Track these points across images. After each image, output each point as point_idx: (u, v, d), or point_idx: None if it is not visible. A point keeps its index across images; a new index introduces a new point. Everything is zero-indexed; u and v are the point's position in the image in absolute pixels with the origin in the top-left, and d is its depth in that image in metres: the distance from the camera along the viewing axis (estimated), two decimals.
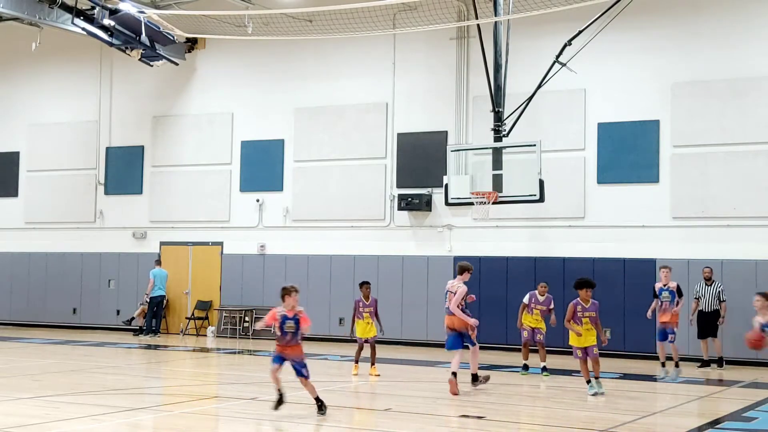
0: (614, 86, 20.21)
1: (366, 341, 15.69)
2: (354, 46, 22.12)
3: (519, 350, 19.18)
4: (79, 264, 25.58)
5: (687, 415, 12.67)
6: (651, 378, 16.62)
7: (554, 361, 17.59)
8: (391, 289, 21.59)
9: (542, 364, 16.32)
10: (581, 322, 13.70)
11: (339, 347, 20.45)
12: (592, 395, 13.45)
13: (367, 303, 15.75)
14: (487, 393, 14.16)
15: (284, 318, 10.97)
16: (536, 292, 16.89)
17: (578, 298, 13.83)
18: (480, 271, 21.00)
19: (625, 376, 16.48)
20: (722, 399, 14.21)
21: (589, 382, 13.68)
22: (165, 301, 24.13)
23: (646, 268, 19.51)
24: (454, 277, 14.45)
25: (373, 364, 15.77)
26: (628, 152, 19.96)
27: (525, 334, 16.64)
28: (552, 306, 16.82)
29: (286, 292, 11.18)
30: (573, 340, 13.85)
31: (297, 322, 11.02)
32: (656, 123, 19.77)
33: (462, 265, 14.15)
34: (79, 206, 25.96)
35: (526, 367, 16.52)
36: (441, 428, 11.36)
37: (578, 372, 16.40)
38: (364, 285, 15.94)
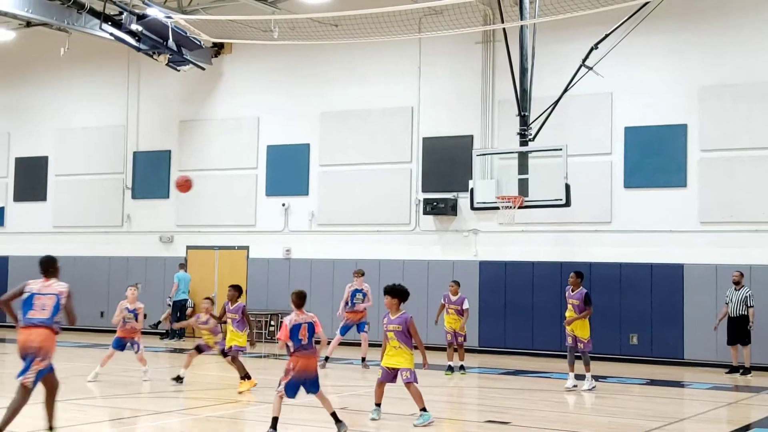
0: (641, 90, 20.07)
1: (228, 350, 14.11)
2: (379, 50, 22.11)
3: (545, 356, 19.14)
4: (106, 268, 25.74)
5: (715, 422, 12.56)
6: (678, 384, 16.49)
7: (578, 367, 17.47)
8: (417, 294, 21.43)
9: (459, 363, 16.83)
10: (387, 337, 11.24)
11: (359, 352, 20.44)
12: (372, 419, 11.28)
13: (231, 308, 14.11)
14: (513, 398, 14.11)
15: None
16: (449, 291, 17.16)
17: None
18: (506, 276, 21.00)
19: (653, 382, 16.36)
20: (751, 405, 14.07)
21: (378, 405, 11.37)
22: (189, 305, 24.24)
23: (673, 274, 19.37)
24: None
25: (242, 378, 14.00)
26: (655, 156, 19.82)
27: (448, 336, 16.98)
28: (465, 306, 16.97)
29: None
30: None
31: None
32: (684, 127, 19.62)
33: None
34: (106, 210, 26.13)
35: (450, 369, 16.79)
36: None
37: (605, 378, 16.33)
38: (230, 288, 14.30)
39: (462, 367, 16.89)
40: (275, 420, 9.94)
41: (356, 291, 17.70)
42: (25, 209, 27.49)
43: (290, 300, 10.46)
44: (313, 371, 10.16)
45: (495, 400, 14.10)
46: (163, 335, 23.96)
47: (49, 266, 9.45)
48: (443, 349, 17.21)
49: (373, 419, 11.28)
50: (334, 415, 10.21)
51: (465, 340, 17.18)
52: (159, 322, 24.35)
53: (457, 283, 17.33)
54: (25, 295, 9.22)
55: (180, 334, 23.73)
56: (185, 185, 15.74)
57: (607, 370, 17.72)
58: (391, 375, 11.21)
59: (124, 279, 25.52)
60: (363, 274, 17.94)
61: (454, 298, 17.10)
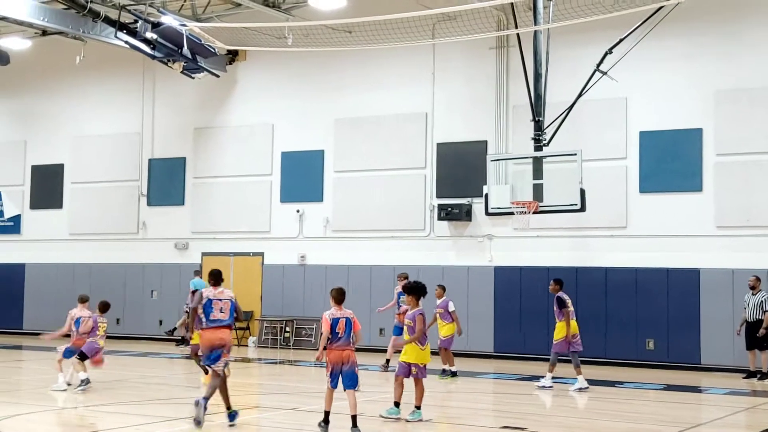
0: (656, 94, 20.01)
1: None
2: (393, 56, 22.13)
3: (561, 361, 19.10)
4: (122, 275, 25.84)
5: (733, 427, 12.48)
6: (695, 389, 16.40)
7: (594, 372, 17.43)
8: (431, 299, 21.49)
9: (442, 367, 16.87)
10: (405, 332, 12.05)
11: (381, 357, 20.42)
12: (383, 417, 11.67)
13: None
14: (529, 404, 14.07)
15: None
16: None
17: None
18: (521, 282, 20.94)
19: (669, 387, 16.29)
20: None
21: (397, 404, 11.70)
22: None
23: (689, 278, 19.28)
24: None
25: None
26: (671, 161, 19.74)
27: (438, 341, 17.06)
28: (451, 309, 17.03)
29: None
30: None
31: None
32: (699, 131, 19.54)
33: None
34: (122, 217, 26.23)
35: (446, 372, 16.95)
36: None
37: (621, 383, 16.28)
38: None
39: (449, 372, 16.91)
40: (327, 414, 10.54)
41: (401, 293, 17.75)
42: (41, 217, 27.63)
43: (330, 296, 10.90)
44: (349, 364, 10.55)
45: (511, 405, 14.06)
46: (179, 342, 24.01)
47: (219, 277, 11.38)
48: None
49: (382, 416, 11.49)
50: (354, 418, 10.40)
51: (447, 344, 16.99)
52: (175, 329, 24.38)
53: (442, 288, 17.36)
54: (204, 301, 11.02)
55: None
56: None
57: (624, 376, 17.65)
58: (405, 369, 11.66)
59: (140, 286, 25.66)
60: (407, 278, 17.78)
61: (437, 302, 17.17)
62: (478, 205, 20.90)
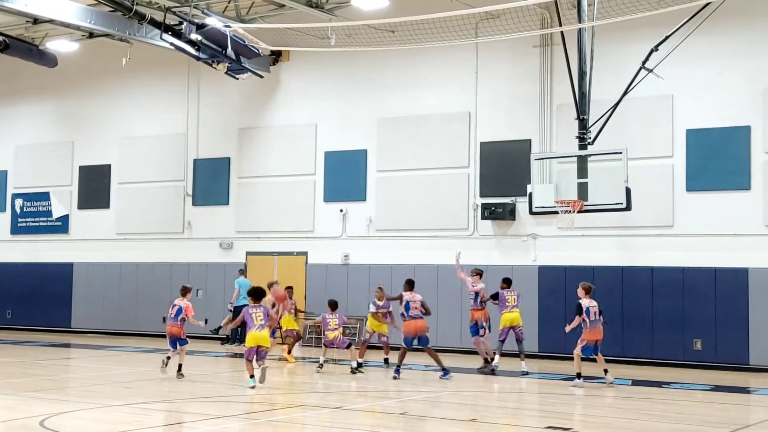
0: (703, 92, 19.75)
1: None
2: (436, 55, 22.10)
3: (606, 361, 18.94)
4: (168, 274, 26.08)
5: None
6: (744, 390, 16.18)
7: (641, 372, 17.27)
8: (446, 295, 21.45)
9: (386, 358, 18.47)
10: None
11: (423, 357, 20.41)
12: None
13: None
14: (574, 404, 13.98)
15: None
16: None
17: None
18: (566, 281, 20.79)
19: (717, 388, 16.08)
20: None
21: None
22: None
23: (737, 278, 19.01)
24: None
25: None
26: (718, 159, 19.48)
27: (366, 335, 18.60)
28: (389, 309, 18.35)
29: None
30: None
31: None
32: (747, 129, 19.26)
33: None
34: (168, 217, 26.49)
35: (358, 365, 17.66)
36: None
37: (668, 383, 16.13)
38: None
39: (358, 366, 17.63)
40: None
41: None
42: (88, 216, 28.00)
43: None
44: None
45: (556, 405, 13.96)
46: (224, 340, 24.19)
47: (412, 284, 16.95)
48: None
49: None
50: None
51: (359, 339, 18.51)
52: (220, 328, 24.56)
53: (381, 289, 18.45)
54: (403, 302, 16.52)
55: (241, 339, 23.91)
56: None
57: (671, 376, 17.47)
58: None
59: None
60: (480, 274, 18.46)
61: (380, 303, 18.42)
62: (522, 204, 20.79)
